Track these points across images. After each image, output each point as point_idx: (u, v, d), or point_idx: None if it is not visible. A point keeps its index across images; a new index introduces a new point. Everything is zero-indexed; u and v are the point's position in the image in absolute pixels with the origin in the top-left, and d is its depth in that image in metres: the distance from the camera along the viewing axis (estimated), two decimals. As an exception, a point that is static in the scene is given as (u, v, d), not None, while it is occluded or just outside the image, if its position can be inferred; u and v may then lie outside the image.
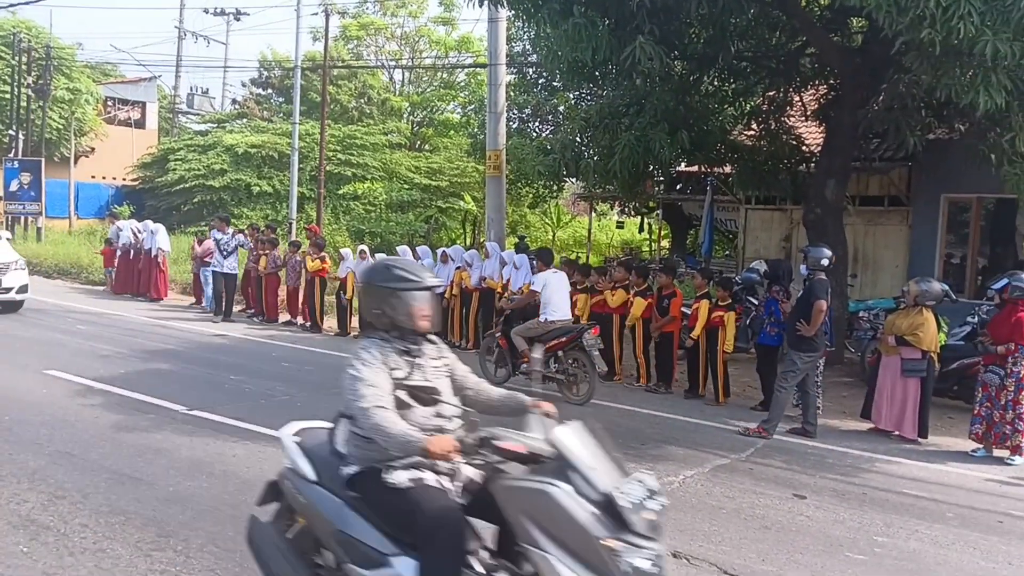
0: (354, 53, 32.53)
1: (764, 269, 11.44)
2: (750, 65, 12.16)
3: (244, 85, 36.61)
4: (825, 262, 8.05)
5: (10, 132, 25.58)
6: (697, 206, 19.85)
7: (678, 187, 20.21)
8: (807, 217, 11.27)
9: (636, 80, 10.43)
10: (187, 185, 24.96)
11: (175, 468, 5.89)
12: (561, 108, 20.93)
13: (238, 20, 34.61)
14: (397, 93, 33.04)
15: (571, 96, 19.84)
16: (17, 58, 25.26)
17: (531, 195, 24.42)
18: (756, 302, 11.03)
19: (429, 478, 3.04)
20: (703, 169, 15.22)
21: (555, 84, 20.17)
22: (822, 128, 13.05)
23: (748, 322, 10.66)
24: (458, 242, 28.18)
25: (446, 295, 12.31)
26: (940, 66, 7.46)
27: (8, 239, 15.15)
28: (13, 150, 25.08)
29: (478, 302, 12.16)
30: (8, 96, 25.55)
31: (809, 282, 8.05)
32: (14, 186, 23.26)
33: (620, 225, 30.08)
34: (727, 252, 22.06)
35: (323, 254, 13.74)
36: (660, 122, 10.59)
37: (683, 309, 9.94)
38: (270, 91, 35.14)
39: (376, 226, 23.70)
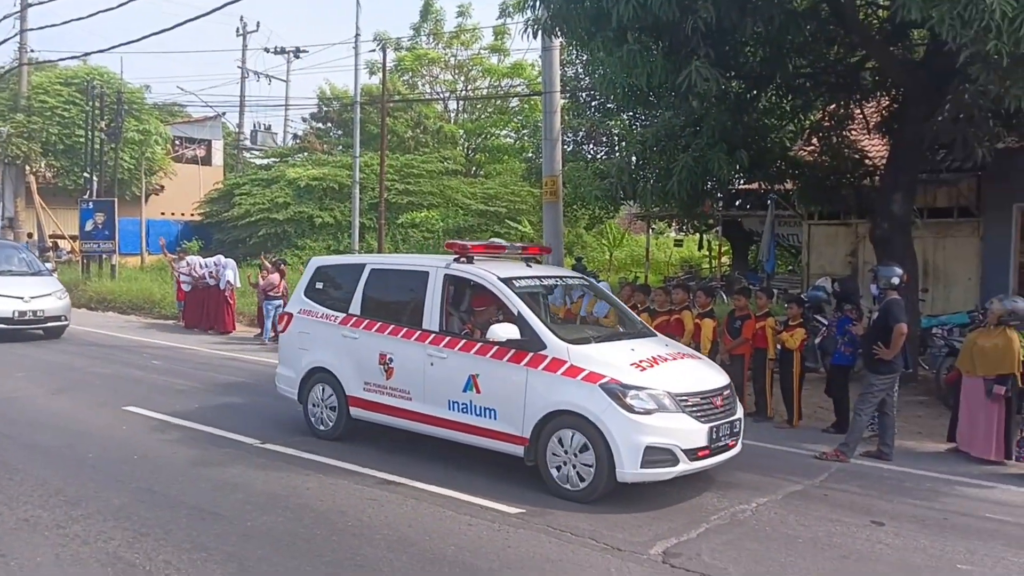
0: (409, 84, 33.18)
1: (832, 287, 11.17)
2: (808, 81, 11.95)
3: (304, 120, 37.74)
4: (896, 280, 7.87)
5: (85, 175, 26.67)
6: (758, 221, 19.58)
7: (737, 203, 19.97)
8: (875, 233, 10.99)
9: (692, 102, 10.36)
10: (252, 219, 25.73)
11: (251, 503, 6.04)
12: (615, 130, 20.93)
13: (298, 58, 35.64)
14: (452, 121, 33.55)
15: (625, 118, 19.83)
16: (91, 104, 26.43)
17: (587, 216, 24.46)
18: (824, 321, 10.79)
19: None
20: (763, 186, 15.02)
21: (609, 106, 20.23)
22: (885, 141, 12.74)
23: (818, 342, 10.42)
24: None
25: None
26: (1008, 76, 7.24)
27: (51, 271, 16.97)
28: (88, 192, 26.09)
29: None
30: (83, 140, 26.75)
31: (884, 303, 7.85)
32: (89, 226, 24.06)
33: (679, 243, 29.86)
34: (790, 267, 21.68)
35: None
36: (718, 142, 10.49)
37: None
38: (329, 125, 36.07)
39: (435, 254, 23.95)
